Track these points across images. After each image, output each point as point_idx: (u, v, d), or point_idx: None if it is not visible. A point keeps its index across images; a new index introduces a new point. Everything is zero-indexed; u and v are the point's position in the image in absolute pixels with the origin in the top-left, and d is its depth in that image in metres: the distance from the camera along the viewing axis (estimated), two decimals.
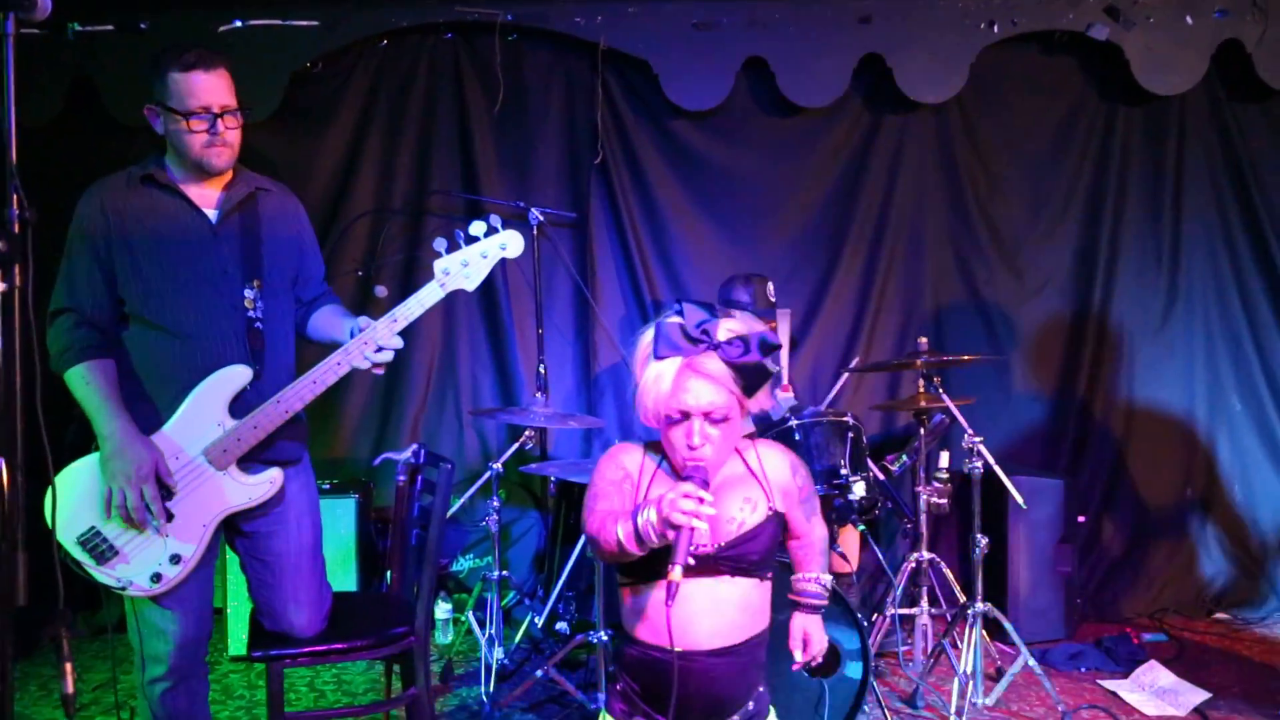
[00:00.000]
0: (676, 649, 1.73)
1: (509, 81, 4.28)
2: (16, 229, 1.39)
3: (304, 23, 4.14)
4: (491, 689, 3.29)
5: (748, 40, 4.20)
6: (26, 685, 3.52)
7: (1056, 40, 4.32)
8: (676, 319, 1.75)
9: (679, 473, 1.77)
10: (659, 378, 1.73)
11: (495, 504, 3.47)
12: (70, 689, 1.44)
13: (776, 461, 1.87)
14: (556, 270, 4.39)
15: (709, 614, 1.76)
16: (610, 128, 4.34)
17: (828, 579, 1.96)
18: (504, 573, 3.55)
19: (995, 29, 4.19)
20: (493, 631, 3.42)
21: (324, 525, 2.54)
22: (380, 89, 4.36)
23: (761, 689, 1.86)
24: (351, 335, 2.29)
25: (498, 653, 3.39)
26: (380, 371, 2.32)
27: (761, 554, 1.79)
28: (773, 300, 3.73)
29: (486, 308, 4.46)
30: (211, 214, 2.29)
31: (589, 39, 4.20)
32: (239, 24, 4.14)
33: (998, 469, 3.12)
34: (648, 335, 1.77)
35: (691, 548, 1.62)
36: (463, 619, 3.88)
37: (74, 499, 2.12)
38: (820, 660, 1.94)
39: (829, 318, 4.45)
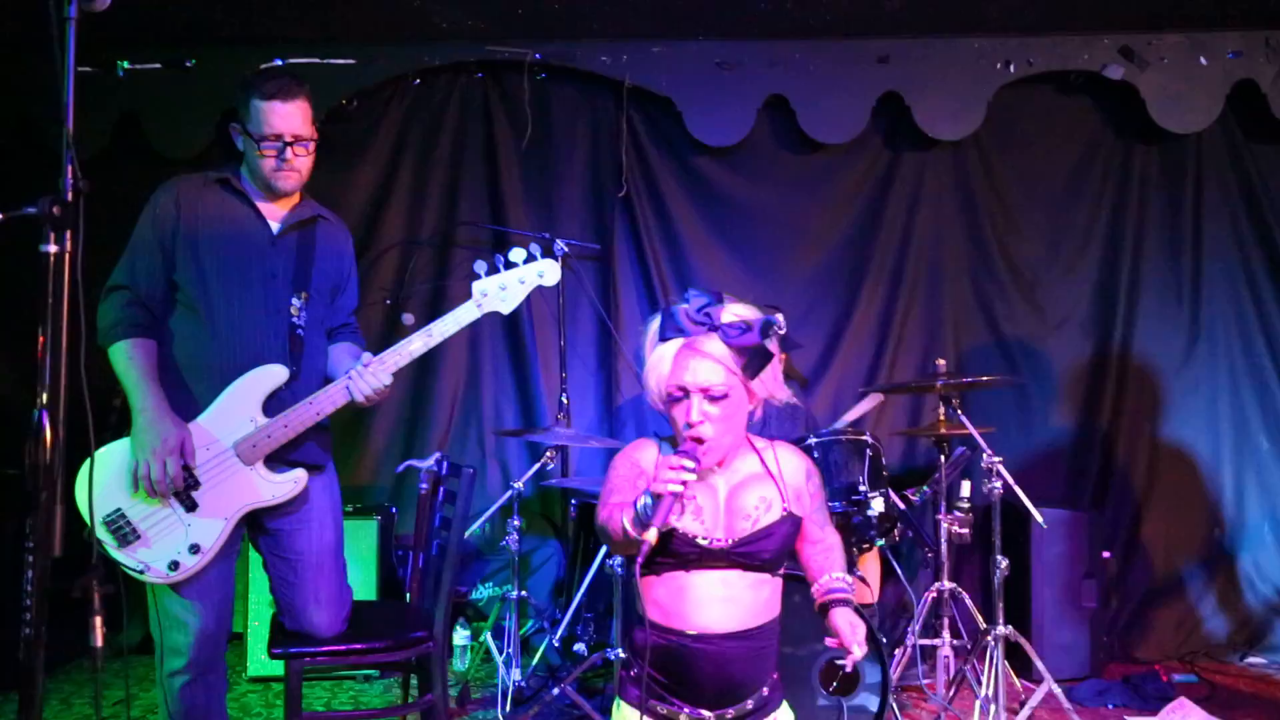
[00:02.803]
0: (691, 631, 1.76)
1: (536, 118, 4.41)
2: (70, 197, 1.47)
3: (341, 61, 4.31)
4: (508, 709, 3.27)
5: (769, 78, 4.32)
6: (48, 700, 3.53)
7: (1072, 80, 4.40)
8: (683, 305, 1.81)
9: None
10: (661, 359, 1.80)
11: (516, 523, 3.48)
12: (99, 642, 1.48)
13: (793, 465, 1.90)
14: (580, 302, 4.46)
15: (722, 601, 1.77)
16: (634, 163, 4.46)
17: (850, 578, 1.93)
18: (523, 593, 3.55)
19: (1011, 68, 4.28)
20: (510, 651, 3.41)
21: (346, 545, 2.57)
22: (412, 125, 4.51)
23: (775, 676, 1.86)
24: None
25: (515, 674, 3.37)
26: (368, 404, 2.34)
27: (774, 553, 1.81)
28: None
29: (511, 338, 4.54)
30: (274, 225, 2.41)
31: (614, 77, 4.34)
32: (279, 63, 4.31)
33: (1017, 489, 3.11)
34: (655, 322, 1.83)
35: (675, 515, 1.66)
36: (481, 640, 3.86)
37: (104, 480, 2.18)
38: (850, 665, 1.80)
39: (848, 352, 4.48)
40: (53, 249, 1.45)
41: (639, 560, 1.63)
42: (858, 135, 4.34)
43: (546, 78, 4.46)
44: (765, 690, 1.82)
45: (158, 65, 4.33)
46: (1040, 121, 4.48)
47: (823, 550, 1.92)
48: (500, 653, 3.57)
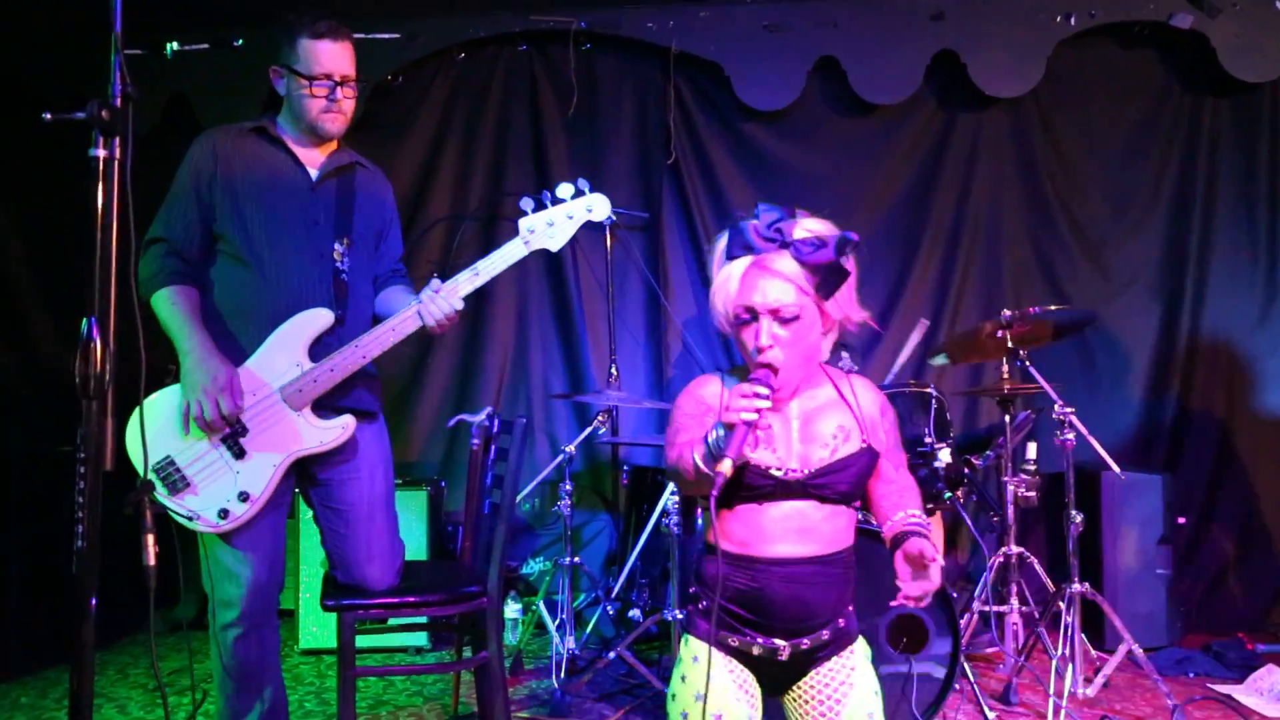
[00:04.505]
0: (763, 558, 1.67)
1: (582, 88, 4.36)
2: (119, 103, 1.44)
3: (386, 35, 4.29)
4: (563, 676, 3.20)
5: (819, 40, 4.22)
6: (105, 670, 3.55)
7: (1137, 31, 4.23)
8: (752, 220, 1.71)
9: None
10: (729, 278, 1.69)
11: (568, 487, 3.42)
12: (151, 561, 1.43)
13: (869, 397, 1.79)
14: (628, 272, 4.40)
15: (796, 531, 1.68)
16: (682, 130, 4.38)
17: (926, 517, 1.79)
18: (576, 559, 3.49)
19: (1072, 21, 4.13)
20: (564, 617, 3.34)
21: (397, 517, 2.52)
22: (457, 99, 4.49)
23: (851, 609, 1.76)
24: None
25: (569, 643, 3.31)
26: (440, 331, 2.31)
27: (850, 485, 1.71)
28: None
29: (558, 309, 4.49)
30: (313, 172, 2.37)
31: (661, 43, 4.27)
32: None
33: (1092, 440, 2.96)
34: (723, 239, 1.73)
35: (750, 446, 1.55)
36: (533, 610, 3.80)
37: (153, 427, 2.15)
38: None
39: (905, 317, 4.34)
40: (101, 153, 1.42)
41: (714, 494, 1.53)
42: (911, 95, 4.22)
43: (591, 47, 4.40)
44: (841, 622, 1.73)
45: (205, 46, 4.36)
46: (1103, 76, 4.31)
47: (898, 489, 1.80)
48: (553, 621, 3.51)
